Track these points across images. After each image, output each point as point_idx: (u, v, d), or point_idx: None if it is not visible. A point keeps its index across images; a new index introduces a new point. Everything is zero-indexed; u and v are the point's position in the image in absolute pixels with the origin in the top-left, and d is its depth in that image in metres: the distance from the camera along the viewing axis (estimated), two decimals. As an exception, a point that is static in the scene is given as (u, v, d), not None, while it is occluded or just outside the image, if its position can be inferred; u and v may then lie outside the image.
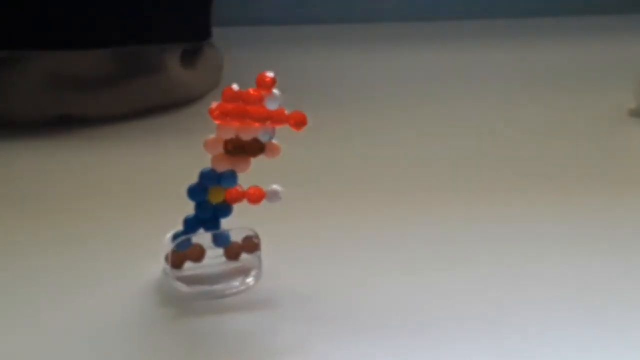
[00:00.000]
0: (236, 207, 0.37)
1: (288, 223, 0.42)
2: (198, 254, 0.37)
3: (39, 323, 0.35)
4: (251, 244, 0.38)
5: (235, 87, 0.35)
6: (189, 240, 0.37)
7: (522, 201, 0.46)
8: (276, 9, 0.81)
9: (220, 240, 0.37)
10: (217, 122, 0.35)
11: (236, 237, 0.37)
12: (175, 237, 0.37)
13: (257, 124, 0.35)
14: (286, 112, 0.35)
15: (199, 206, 0.36)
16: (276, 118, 0.35)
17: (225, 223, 0.37)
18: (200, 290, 0.37)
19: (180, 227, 0.37)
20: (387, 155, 0.52)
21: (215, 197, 0.36)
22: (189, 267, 0.37)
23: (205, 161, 0.36)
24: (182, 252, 0.37)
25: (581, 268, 0.39)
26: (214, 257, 0.37)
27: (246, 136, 0.35)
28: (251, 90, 0.35)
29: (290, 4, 0.82)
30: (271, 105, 0.35)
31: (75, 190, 0.47)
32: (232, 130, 0.35)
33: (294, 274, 0.38)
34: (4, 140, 0.52)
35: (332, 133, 0.54)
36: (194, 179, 0.36)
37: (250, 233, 0.37)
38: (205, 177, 0.36)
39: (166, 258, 0.37)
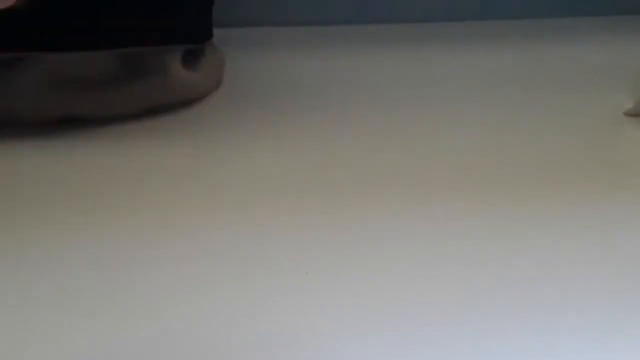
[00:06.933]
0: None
1: (288, 223, 0.42)
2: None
3: (39, 323, 0.35)
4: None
5: None
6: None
7: (519, 202, 0.46)
8: (277, 10, 0.81)
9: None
10: None
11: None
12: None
13: None
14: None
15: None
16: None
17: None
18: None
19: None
20: (387, 155, 0.52)
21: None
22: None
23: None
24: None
25: (580, 268, 0.39)
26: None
27: None
28: None
29: (292, 5, 0.82)
30: None
31: (77, 190, 0.47)
32: None
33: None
34: (7, 141, 0.52)
35: (332, 133, 0.54)
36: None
37: None
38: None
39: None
